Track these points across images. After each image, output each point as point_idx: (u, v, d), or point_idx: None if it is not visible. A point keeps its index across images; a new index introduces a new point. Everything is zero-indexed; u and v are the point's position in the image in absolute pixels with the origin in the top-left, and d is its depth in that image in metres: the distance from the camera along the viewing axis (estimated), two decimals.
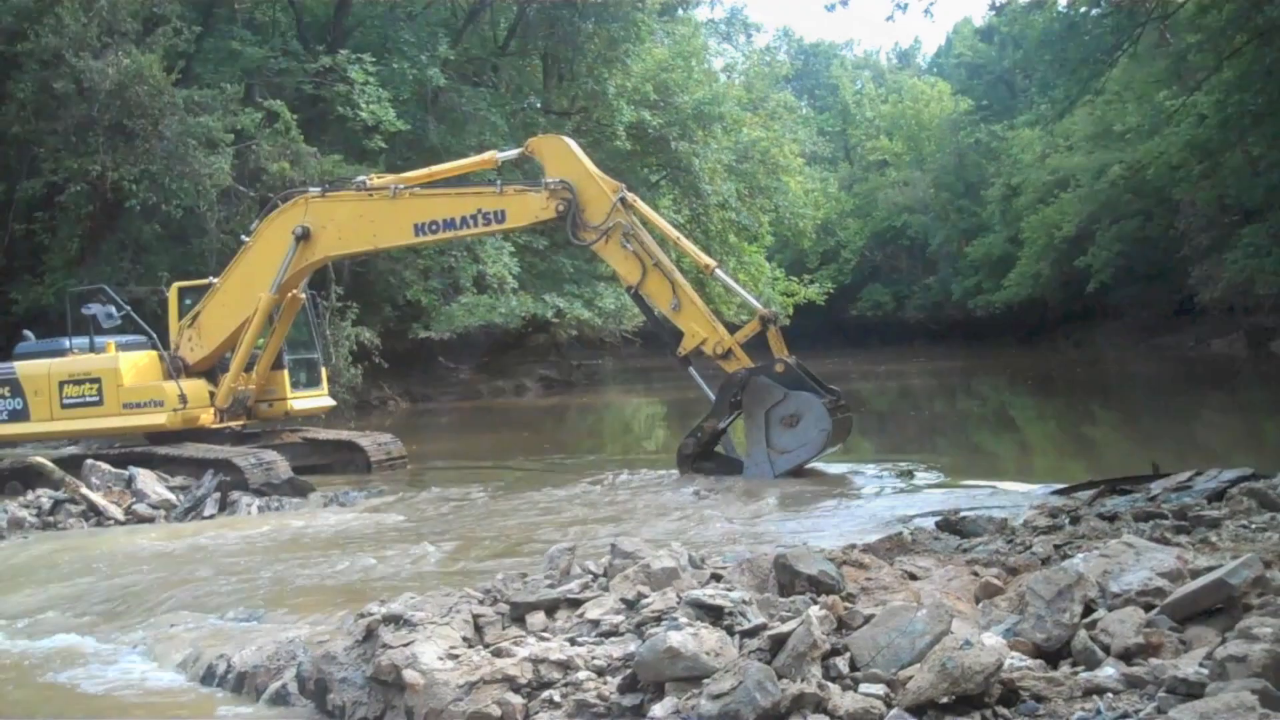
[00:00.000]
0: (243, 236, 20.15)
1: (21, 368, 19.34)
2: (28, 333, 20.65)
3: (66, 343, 19.47)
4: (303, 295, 19.93)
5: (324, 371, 21.32)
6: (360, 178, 19.55)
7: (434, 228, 18.09)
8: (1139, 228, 47.78)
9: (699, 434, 17.06)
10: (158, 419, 18.77)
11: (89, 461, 17.10)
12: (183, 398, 18.79)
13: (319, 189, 19.58)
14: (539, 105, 41.98)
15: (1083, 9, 35.88)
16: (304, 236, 18.52)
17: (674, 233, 17.92)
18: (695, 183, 40.86)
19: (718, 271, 18.15)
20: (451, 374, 38.73)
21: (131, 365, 19.03)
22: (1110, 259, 48.40)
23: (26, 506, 15.65)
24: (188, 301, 19.88)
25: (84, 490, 16.02)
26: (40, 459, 17.32)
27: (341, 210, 18.59)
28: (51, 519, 15.43)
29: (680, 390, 43.94)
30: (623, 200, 17.07)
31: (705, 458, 17.11)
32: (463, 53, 37.12)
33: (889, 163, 73.96)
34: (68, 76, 26.66)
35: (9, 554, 13.42)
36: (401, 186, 18.34)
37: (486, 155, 19.52)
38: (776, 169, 45.06)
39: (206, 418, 19.20)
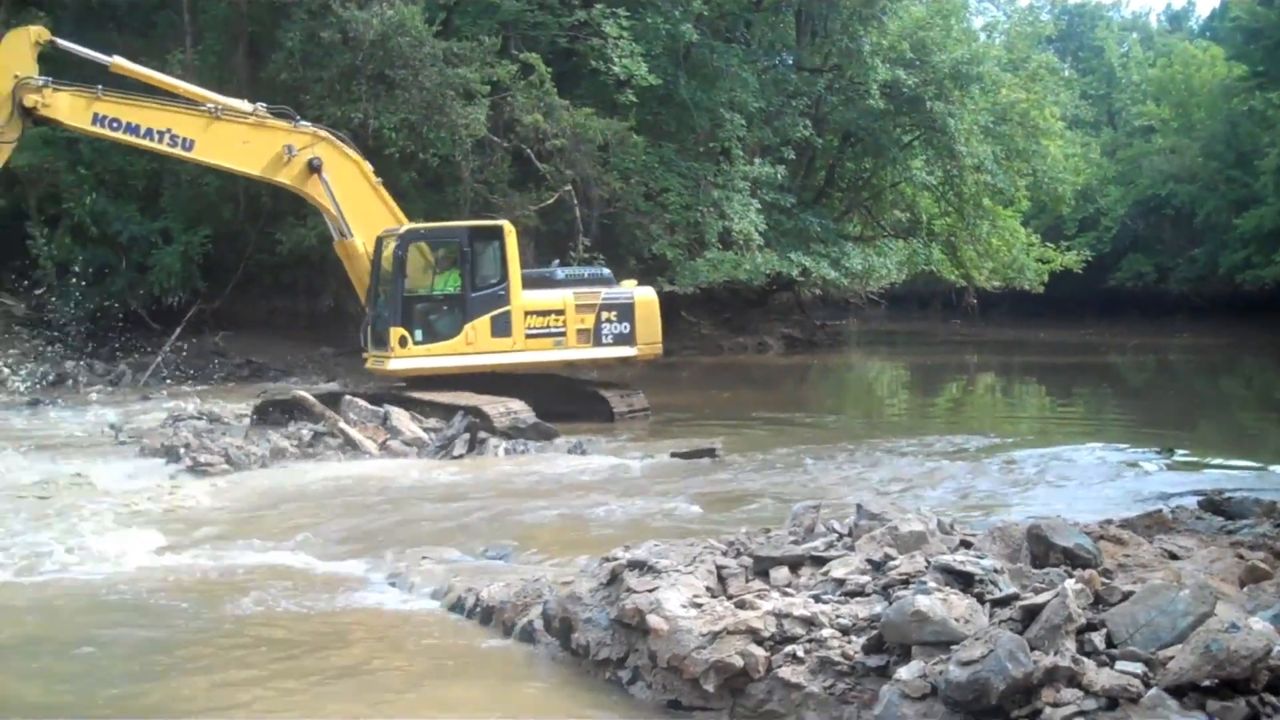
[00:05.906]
0: None
1: None
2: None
3: None
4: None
5: (394, 333, 18.83)
6: None
7: None
8: None
9: None
10: None
11: (347, 398, 17.85)
12: None
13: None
14: (790, 62, 41.55)
15: None
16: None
17: None
18: (950, 144, 39.85)
19: None
20: (693, 329, 38.78)
21: None
22: None
23: (288, 438, 16.42)
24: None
25: (342, 425, 16.71)
26: (303, 393, 18.11)
27: None
28: (311, 450, 16.14)
29: (924, 355, 43.34)
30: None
31: None
32: (715, 8, 36.88)
33: (1155, 129, 70.70)
34: (334, 26, 27.62)
35: (270, 483, 14.08)
36: None
37: None
38: (1036, 132, 43.58)
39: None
